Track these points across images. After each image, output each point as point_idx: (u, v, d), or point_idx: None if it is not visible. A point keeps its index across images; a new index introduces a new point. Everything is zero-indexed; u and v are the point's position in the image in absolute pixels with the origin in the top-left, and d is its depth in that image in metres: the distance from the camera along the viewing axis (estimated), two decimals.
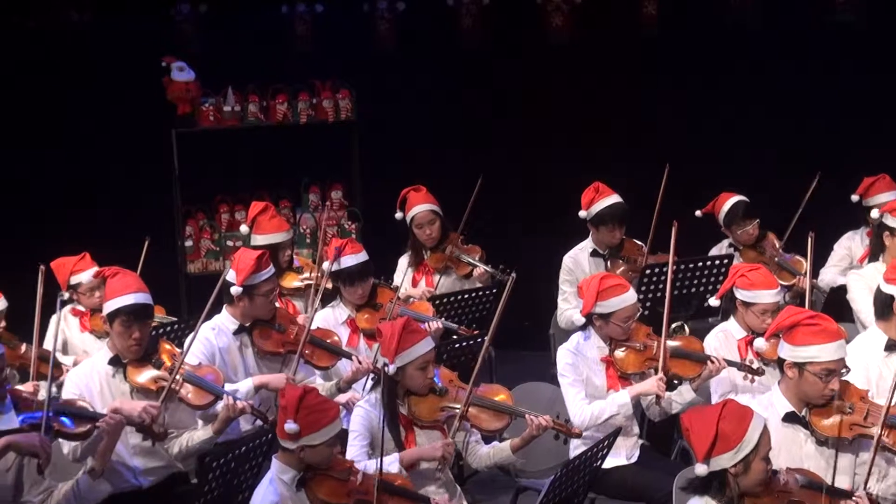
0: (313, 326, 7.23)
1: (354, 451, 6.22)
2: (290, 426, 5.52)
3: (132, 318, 6.40)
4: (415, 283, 8.89)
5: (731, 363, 6.89)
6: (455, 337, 7.78)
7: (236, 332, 7.17)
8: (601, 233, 8.65)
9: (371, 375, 6.88)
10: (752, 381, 6.89)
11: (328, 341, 7.26)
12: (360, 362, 7.04)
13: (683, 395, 6.90)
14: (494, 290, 8.37)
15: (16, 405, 5.66)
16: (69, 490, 5.73)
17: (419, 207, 8.84)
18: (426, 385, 6.31)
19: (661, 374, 6.80)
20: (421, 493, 5.89)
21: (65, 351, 8.14)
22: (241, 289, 7.06)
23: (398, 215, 8.93)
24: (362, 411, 6.30)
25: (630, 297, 6.89)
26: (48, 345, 7.79)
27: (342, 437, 6.07)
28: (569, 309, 8.49)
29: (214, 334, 7.11)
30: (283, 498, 5.56)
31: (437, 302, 8.24)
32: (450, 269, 8.82)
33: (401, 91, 11.21)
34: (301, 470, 5.60)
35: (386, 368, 6.22)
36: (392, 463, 6.06)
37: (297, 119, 10.68)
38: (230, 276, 7.12)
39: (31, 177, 10.95)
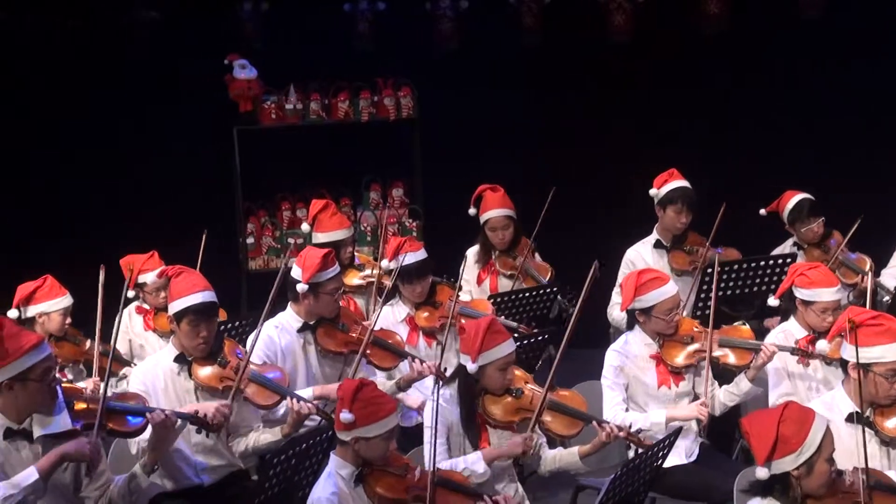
0: (376, 327, 7.24)
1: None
2: (346, 416, 5.53)
3: (199, 316, 6.44)
4: (480, 282, 8.88)
5: (782, 348, 6.84)
6: (516, 336, 7.75)
7: (300, 330, 7.19)
8: (667, 215, 8.55)
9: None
10: (807, 364, 6.84)
11: (390, 342, 7.26)
12: (420, 365, 7.04)
13: (739, 385, 6.86)
14: (555, 289, 8.35)
15: (69, 404, 5.69)
16: (124, 485, 5.76)
17: (495, 212, 8.79)
18: (504, 386, 6.29)
19: (704, 400, 6.77)
20: (477, 490, 5.86)
21: (126, 349, 8.20)
22: (307, 286, 7.08)
23: (471, 211, 8.88)
24: (440, 407, 6.29)
25: (670, 288, 6.84)
26: (120, 344, 7.87)
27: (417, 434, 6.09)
28: (617, 304, 8.45)
29: (277, 332, 7.13)
30: (340, 493, 5.57)
31: (498, 300, 8.22)
32: (515, 277, 8.77)
33: (462, 89, 11.20)
34: (359, 465, 5.61)
35: (444, 372, 6.27)
36: (476, 462, 6.09)
37: (358, 117, 10.69)
38: (295, 272, 7.14)
39: (94, 175, 11.04)
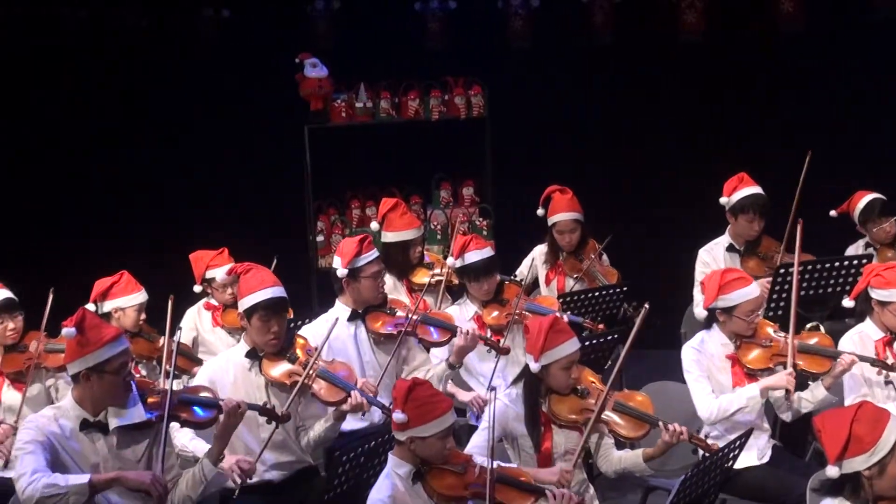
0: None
1: (478, 439, 6.21)
2: (399, 416, 5.55)
3: (270, 312, 6.47)
4: (548, 282, 8.87)
5: (863, 358, 6.76)
6: (584, 334, 7.74)
7: (350, 319, 7.23)
8: (739, 223, 8.48)
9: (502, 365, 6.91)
10: (887, 377, 6.76)
11: (440, 318, 7.31)
12: (469, 333, 7.07)
13: (815, 393, 6.78)
14: (624, 289, 8.32)
15: (142, 396, 5.75)
16: (191, 476, 5.80)
17: (563, 215, 8.76)
18: (569, 385, 6.27)
19: (790, 370, 6.70)
20: (537, 485, 5.83)
21: (194, 345, 8.26)
22: (346, 271, 7.14)
23: (540, 212, 8.85)
24: (500, 405, 6.29)
25: (753, 290, 6.78)
26: (185, 337, 7.93)
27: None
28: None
29: (327, 327, 7.12)
30: (397, 492, 5.58)
31: (567, 300, 8.20)
32: (581, 280, 8.74)
33: (533, 87, 11.18)
34: (416, 464, 5.62)
35: (499, 343, 6.16)
36: None
37: (428, 115, 10.69)
38: (335, 262, 7.24)
39: (165, 174, 11.14)
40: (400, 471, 5.63)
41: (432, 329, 7.29)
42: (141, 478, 5.53)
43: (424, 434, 5.56)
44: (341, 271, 7.16)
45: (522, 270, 8.89)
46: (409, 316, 7.24)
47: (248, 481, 6.22)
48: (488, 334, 7.68)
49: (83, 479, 5.42)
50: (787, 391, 6.69)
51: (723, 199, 8.50)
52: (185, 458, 6.32)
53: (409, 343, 7.24)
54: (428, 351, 7.46)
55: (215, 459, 5.81)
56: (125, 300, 7.65)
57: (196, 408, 5.88)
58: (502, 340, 7.54)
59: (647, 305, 6.46)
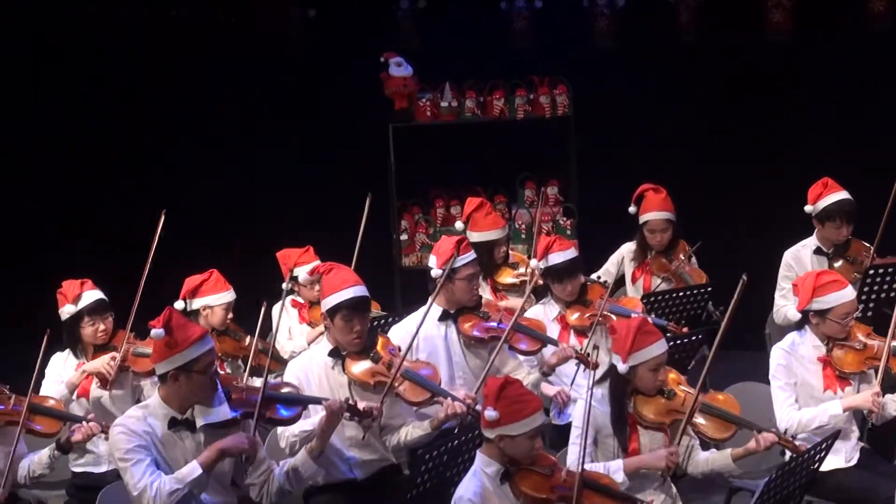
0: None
1: (576, 452, 6.20)
2: (490, 413, 5.54)
3: (352, 311, 6.48)
4: (634, 280, 8.83)
5: None
6: (668, 335, 7.70)
7: (441, 319, 7.22)
8: (826, 229, 8.39)
9: (582, 368, 6.90)
10: None
11: (533, 327, 7.26)
12: (564, 348, 7.06)
13: None
14: (710, 289, 8.27)
15: (227, 395, 5.81)
16: (290, 469, 5.88)
17: (655, 214, 8.70)
18: (656, 386, 6.24)
19: (876, 389, 6.62)
20: (627, 493, 5.82)
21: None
22: (441, 272, 7.12)
23: (631, 209, 8.78)
24: (585, 405, 6.29)
25: (848, 293, 6.71)
26: (281, 335, 7.98)
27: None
28: (786, 305, 8.31)
29: (417, 326, 7.15)
30: (485, 491, 5.57)
31: (651, 299, 8.16)
32: (668, 280, 8.70)
33: (618, 86, 11.14)
34: (504, 463, 5.61)
35: (588, 357, 6.21)
36: (616, 471, 6.03)
37: (513, 114, 10.68)
38: (431, 261, 7.22)
39: (252, 172, 11.23)
40: (488, 469, 5.62)
41: (524, 339, 7.22)
42: (239, 442, 5.68)
43: (514, 433, 5.54)
44: (436, 272, 7.14)
45: (609, 269, 8.84)
46: (501, 320, 7.18)
47: (346, 473, 6.35)
48: (571, 335, 7.67)
49: (195, 469, 5.59)
50: (871, 412, 6.63)
51: (808, 207, 8.41)
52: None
53: (497, 347, 7.19)
54: None
55: (316, 455, 5.91)
56: (214, 298, 7.69)
57: (279, 406, 5.93)
58: (585, 342, 7.52)
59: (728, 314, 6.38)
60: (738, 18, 11.14)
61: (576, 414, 6.31)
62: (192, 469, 5.59)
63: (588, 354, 6.98)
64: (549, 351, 7.26)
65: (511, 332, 7.10)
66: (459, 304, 7.23)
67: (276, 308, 7.85)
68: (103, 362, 7.08)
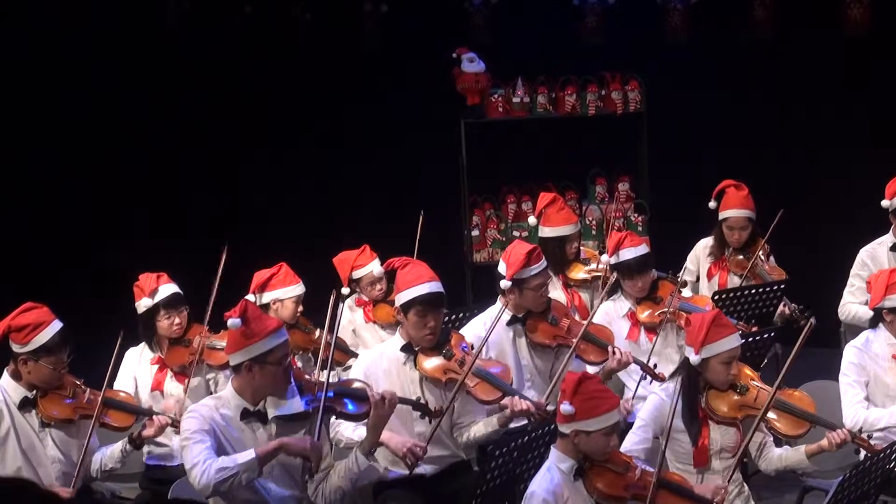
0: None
1: (634, 439, 6.19)
2: (566, 407, 5.53)
3: (427, 306, 6.49)
4: (710, 277, 8.79)
5: None
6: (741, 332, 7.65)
7: (509, 323, 7.20)
8: None
9: (649, 380, 6.90)
10: None
11: (600, 337, 7.20)
12: (619, 356, 7.00)
13: None
14: (782, 286, 8.20)
15: (299, 388, 5.83)
16: (344, 467, 5.84)
17: (736, 211, 8.65)
18: (728, 381, 6.22)
19: None
20: (702, 496, 5.79)
21: (352, 339, 8.34)
22: (510, 283, 7.09)
23: (711, 204, 8.75)
24: (657, 399, 6.27)
25: None
26: (343, 334, 8.01)
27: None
28: (851, 303, 8.24)
29: (485, 328, 7.09)
30: (559, 486, 5.57)
31: (722, 296, 8.11)
32: (745, 278, 8.63)
33: (690, 83, 11.08)
34: (579, 460, 5.60)
35: (654, 368, 6.22)
36: None
37: (585, 111, 10.64)
38: (501, 268, 7.18)
39: (320, 169, 11.29)
40: (562, 465, 5.62)
41: (592, 347, 7.13)
42: (302, 443, 5.64)
43: (590, 428, 5.53)
44: (505, 283, 7.10)
45: (689, 267, 8.77)
46: (569, 328, 7.14)
47: (416, 469, 6.31)
48: (641, 331, 7.64)
49: (250, 454, 5.54)
50: None
51: (885, 203, 8.32)
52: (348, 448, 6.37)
53: (566, 356, 7.12)
54: None
55: (367, 451, 5.84)
56: (283, 292, 7.73)
57: (347, 400, 5.94)
58: (655, 339, 7.49)
59: (812, 321, 6.28)
60: (814, 13, 11.03)
61: (645, 406, 6.30)
62: (247, 454, 5.55)
63: (655, 366, 6.98)
64: (610, 363, 7.16)
65: (580, 341, 7.04)
66: (527, 309, 7.21)
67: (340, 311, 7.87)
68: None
